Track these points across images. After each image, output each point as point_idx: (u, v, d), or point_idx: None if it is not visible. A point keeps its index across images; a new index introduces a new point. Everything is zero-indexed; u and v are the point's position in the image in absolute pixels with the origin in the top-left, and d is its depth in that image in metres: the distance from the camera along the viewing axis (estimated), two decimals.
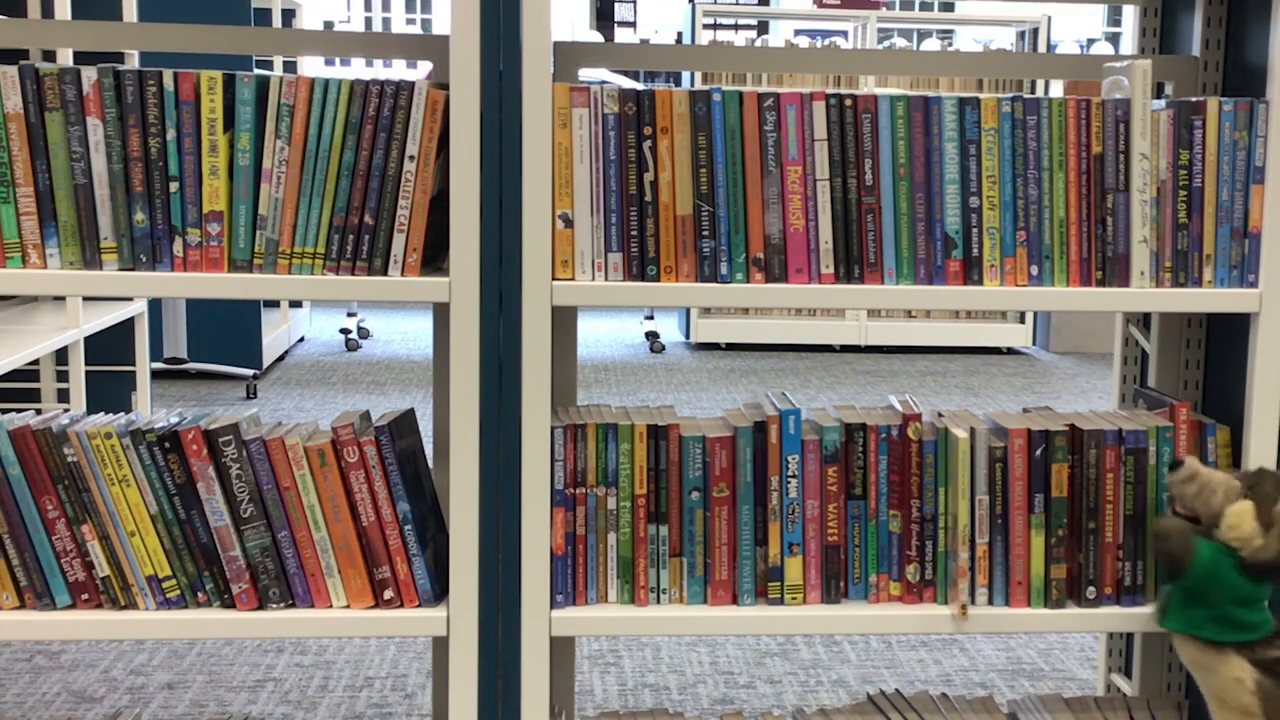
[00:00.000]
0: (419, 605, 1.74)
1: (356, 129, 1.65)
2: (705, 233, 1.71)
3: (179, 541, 1.71)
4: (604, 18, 14.02)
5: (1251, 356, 1.79)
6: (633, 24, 14.24)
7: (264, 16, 6.90)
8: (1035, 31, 7.26)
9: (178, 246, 1.66)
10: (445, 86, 1.66)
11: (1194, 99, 1.76)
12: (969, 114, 1.72)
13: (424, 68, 7.95)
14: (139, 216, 1.65)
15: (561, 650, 2.02)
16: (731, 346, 7.32)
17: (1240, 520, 1.67)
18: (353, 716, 2.76)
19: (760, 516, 1.77)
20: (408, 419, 1.78)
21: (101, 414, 1.75)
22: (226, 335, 6.10)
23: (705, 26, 7.64)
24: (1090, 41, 13.55)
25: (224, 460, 1.69)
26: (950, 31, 13.08)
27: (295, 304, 7.20)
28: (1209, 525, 1.71)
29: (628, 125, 1.68)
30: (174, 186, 1.65)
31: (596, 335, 7.69)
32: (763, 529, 1.77)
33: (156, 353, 5.97)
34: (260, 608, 1.73)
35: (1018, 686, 2.96)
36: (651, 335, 7.34)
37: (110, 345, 4.26)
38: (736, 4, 9.19)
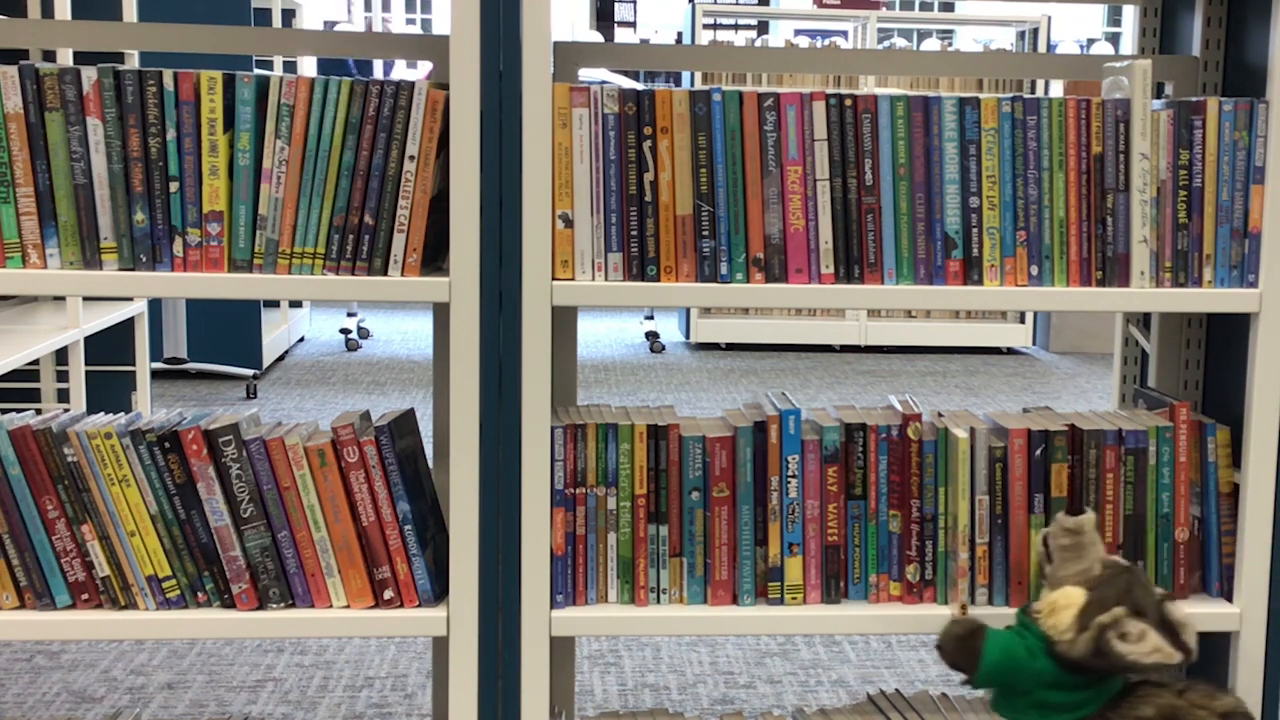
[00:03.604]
0: (419, 605, 1.74)
1: (356, 129, 1.65)
2: (705, 233, 1.70)
3: (179, 541, 1.71)
4: (604, 18, 14.03)
5: (1251, 356, 1.79)
6: (633, 24, 14.24)
7: (264, 16, 6.90)
8: (1035, 31, 7.26)
9: (178, 246, 1.66)
10: (445, 86, 1.66)
11: (1194, 99, 1.76)
12: (969, 114, 1.72)
13: (424, 68, 7.95)
14: (139, 216, 1.65)
15: (561, 650, 2.02)
16: (731, 346, 7.32)
17: (1061, 609, 1.64)
18: (353, 716, 2.76)
19: (760, 516, 1.77)
20: (408, 419, 1.78)
21: (101, 414, 1.75)
22: (226, 335, 6.10)
23: (705, 26, 7.65)
24: (1090, 41, 13.55)
25: (224, 460, 1.69)
26: (950, 31, 13.09)
27: (295, 304, 7.21)
28: (1050, 580, 1.70)
29: (628, 125, 1.68)
30: (174, 186, 1.65)
31: (596, 335, 7.69)
32: (763, 529, 1.77)
33: (156, 353, 5.97)
34: (260, 608, 1.73)
35: None
36: (651, 335, 7.34)
37: (110, 345, 4.27)
38: (736, 4, 9.19)
